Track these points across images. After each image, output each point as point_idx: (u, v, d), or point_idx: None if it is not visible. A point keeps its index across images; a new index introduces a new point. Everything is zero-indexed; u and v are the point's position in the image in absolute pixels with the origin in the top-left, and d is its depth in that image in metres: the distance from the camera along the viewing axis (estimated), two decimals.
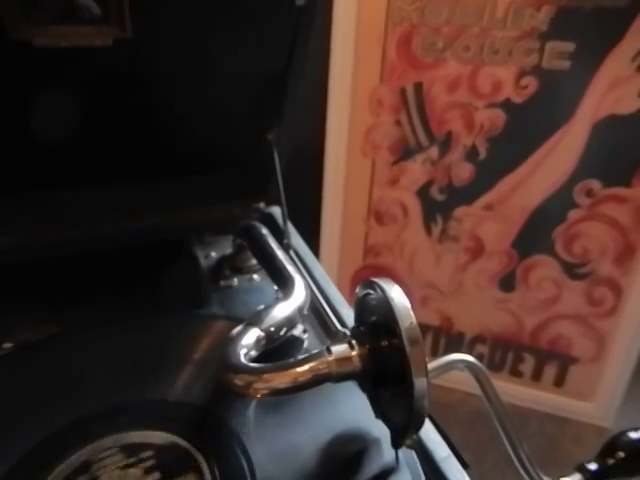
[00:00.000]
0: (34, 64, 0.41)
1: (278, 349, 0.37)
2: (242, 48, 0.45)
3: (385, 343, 0.29)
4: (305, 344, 0.42)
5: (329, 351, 0.30)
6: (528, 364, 1.11)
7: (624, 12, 0.83)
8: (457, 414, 1.09)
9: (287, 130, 0.53)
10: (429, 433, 0.33)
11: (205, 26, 0.42)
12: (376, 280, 0.30)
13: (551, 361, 1.09)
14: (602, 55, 0.86)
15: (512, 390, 1.12)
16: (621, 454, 0.38)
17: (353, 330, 0.31)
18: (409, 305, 0.27)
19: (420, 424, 0.28)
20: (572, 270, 1.01)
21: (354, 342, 0.30)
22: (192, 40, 0.43)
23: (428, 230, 1.08)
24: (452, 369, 0.39)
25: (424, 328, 1.16)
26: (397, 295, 0.28)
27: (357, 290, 0.32)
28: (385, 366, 0.29)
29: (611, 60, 0.86)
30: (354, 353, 0.30)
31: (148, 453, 0.31)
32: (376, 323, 0.30)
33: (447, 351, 1.15)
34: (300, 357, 0.30)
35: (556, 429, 1.10)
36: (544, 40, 0.88)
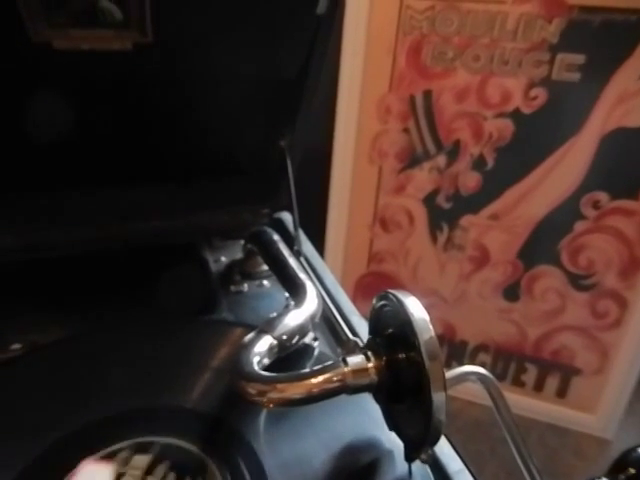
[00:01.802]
0: (52, 66, 0.41)
1: (288, 356, 0.37)
2: (260, 55, 0.46)
3: (402, 356, 0.29)
4: (315, 352, 0.42)
5: (345, 362, 0.29)
6: (531, 374, 1.11)
7: (634, 27, 0.83)
8: (457, 423, 1.09)
9: (300, 137, 0.54)
10: (442, 446, 0.33)
11: (225, 32, 0.42)
12: (394, 292, 0.30)
13: (554, 372, 1.09)
14: (612, 68, 0.86)
15: (514, 400, 1.11)
16: (632, 470, 0.37)
17: (369, 342, 0.31)
18: (428, 318, 0.27)
19: (437, 439, 0.27)
20: (577, 281, 1.01)
21: (370, 354, 0.30)
22: (211, 46, 0.43)
23: (433, 238, 1.08)
24: (464, 381, 0.38)
25: None
26: (416, 308, 0.28)
27: (373, 302, 0.32)
28: (402, 379, 0.29)
29: (620, 74, 0.86)
30: (370, 365, 0.29)
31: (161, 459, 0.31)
32: (392, 335, 0.30)
33: (450, 360, 1.15)
34: (315, 368, 0.30)
35: (557, 440, 1.09)
36: (554, 52, 0.88)
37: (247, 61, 0.45)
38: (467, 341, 1.14)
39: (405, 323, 0.28)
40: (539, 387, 1.12)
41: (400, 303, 0.28)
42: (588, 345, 1.04)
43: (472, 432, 1.06)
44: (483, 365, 1.13)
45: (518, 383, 1.13)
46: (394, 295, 0.29)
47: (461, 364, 0.36)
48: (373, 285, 1.15)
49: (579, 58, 0.87)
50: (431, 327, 0.27)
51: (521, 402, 1.11)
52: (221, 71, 0.46)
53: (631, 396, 1.04)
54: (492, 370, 1.13)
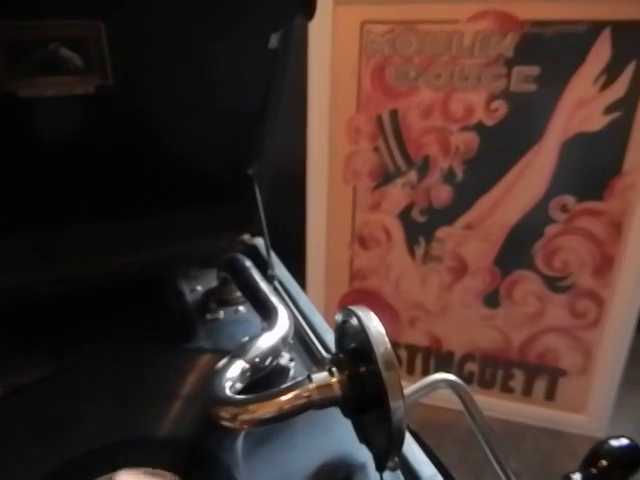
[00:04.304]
0: (18, 114, 0.42)
1: (265, 379, 0.38)
2: (221, 89, 0.48)
3: (363, 369, 0.30)
4: (292, 372, 0.43)
5: (310, 379, 0.31)
6: (518, 379, 1.12)
7: (584, 37, 0.88)
8: (452, 434, 1.09)
9: (267, 164, 0.55)
10: (415, 453, 0.34)
11: (184, 70, 0.44)
12: (352, 308, 0.31)
13: (540, 375, 1.10)
14: (566, 77, 0.90)
15: (504, 406, 1.12)
16: (604, 462, 0.39)
17: (332, 357, 0.33)
18: (384, 331, 0.29)
19: (399, 446, 0.28)
20: (554, 284, 1.03)
21: (334, 369, 0.31)
22: (172, 83, 0.45)
23: (412, 252, 1.09)
24: (435, 389, 0.40)
25: (413, 349, 1.16)
26: (372, 322, 0.29)
27: (336, 318, 0.33)
28: (364, 391, 0.30)
29: (575, 81, 0.90)
30: (334, 380, 0.31)
31: None
32: (355, 350, 0.32)
33: (438, 371, 1.15)
34: (283, 386, 0.31)
35: (551, 443, 1.10)
36: (510, 65, 0.92)
37: (208, 95, 0.47)
38: (453, 351, 1.15)
39: (363, 337, 0.29)
40: (527, 391, 1.13)
41: (357, 318, 0.30)
42: (571, 346, 1.06)
43: (468, 442, 1.06)
44: (471, 374, 1.14)
45: (507, 389, 1.14)
46: (352, 311, 0.31)
47: None
48: (357, 303, 1.15)
49: (534, 70, 0.91)
50: (387, 339, 0.28)
51: (512, 408, 1.12)
52: (184, 107, 0.48)
53: (619, 393, 1.05)
54: (480, 378, 1.14)
